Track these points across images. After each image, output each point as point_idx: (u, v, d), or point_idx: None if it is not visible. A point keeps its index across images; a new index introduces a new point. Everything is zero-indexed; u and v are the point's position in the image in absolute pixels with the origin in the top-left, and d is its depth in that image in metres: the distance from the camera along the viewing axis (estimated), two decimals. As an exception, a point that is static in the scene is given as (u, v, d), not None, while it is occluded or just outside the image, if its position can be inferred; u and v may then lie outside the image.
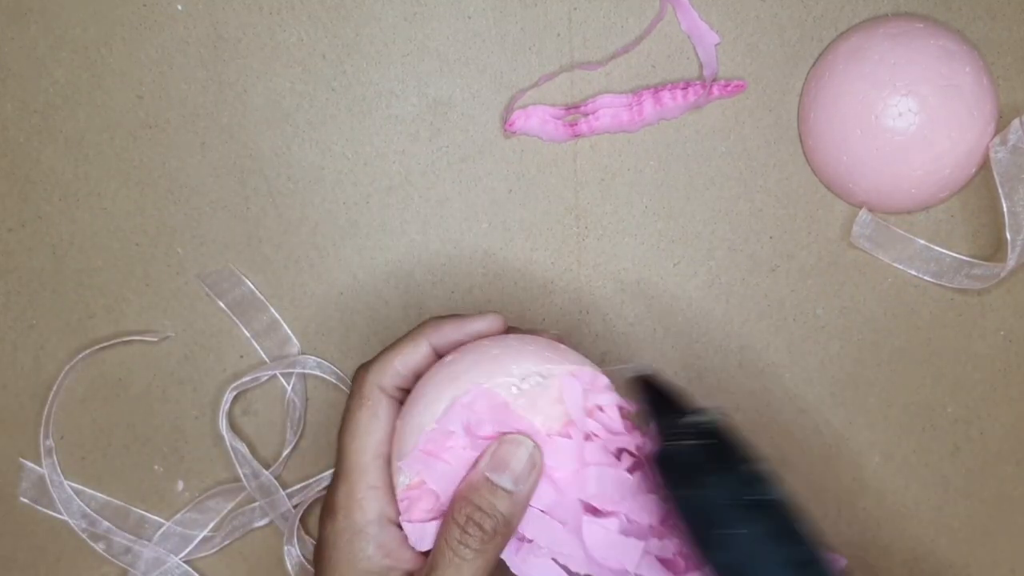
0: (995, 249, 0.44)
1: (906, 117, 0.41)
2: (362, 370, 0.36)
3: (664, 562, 0.35)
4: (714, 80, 0.43)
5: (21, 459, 0.45)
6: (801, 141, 0.44)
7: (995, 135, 0.42)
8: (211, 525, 0.45)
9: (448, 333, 0.36)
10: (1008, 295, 0.44)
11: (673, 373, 0.45)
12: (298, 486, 0.45)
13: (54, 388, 0.44)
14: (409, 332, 0.36)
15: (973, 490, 0.46)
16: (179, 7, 0.44)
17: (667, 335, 0.45)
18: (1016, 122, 0.42)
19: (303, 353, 0.45)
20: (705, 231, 0.45)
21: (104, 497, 0.45)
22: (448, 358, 0.35)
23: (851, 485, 0.46)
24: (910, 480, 0.46)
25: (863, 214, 0.43)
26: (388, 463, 0.35)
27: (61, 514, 0.45)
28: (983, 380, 0.45)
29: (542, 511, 0.34)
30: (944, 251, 0.44)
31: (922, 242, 0.44)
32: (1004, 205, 0.42)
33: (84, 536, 0.45)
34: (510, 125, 0.43)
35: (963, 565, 0.46)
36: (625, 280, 0.45)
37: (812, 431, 0.45)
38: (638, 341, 0.45)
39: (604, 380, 0.35)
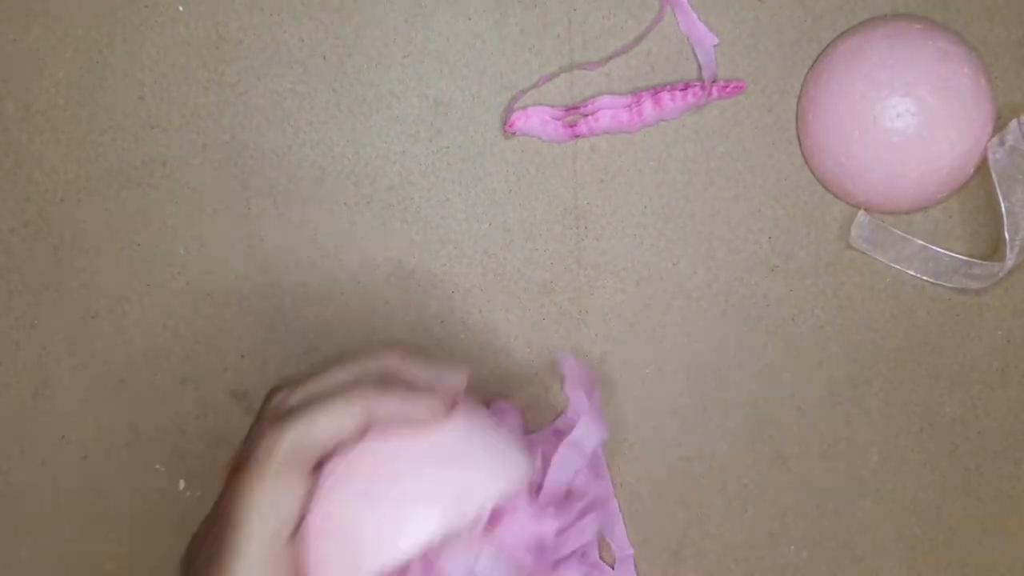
0: (993, 249, 0.44)
1: (904, 118, 0.41)
2: (277, 422, 0.31)
3: None
4: (713, 81, 0.44)
5: None
6: (800, 142, 0.44)
7: (993, 135, 0.42)
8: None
9: (390, 407, 0.31)
10: (1006, 295, 0.45)
11: (672, 373, 0.45)
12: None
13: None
14: (345, 390, 0.31)
15: (972, 489, 0.46)
16: (180, 8, 0.44)
17: (666, 335, 0.45)
18: (1014, 123, 0.42)
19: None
20: (704, 231, 0.45)
21: None
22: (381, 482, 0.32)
23: (850, 484, 0.46)
24: (908, 479, 0.46)
25: (861, 216, 0.44)
26: (291, 547, 0.31)
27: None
28: (981, 380, 0.45)
29: None
30: (943, 251, 0.44)
31: (920, 242, 0.44)
32: (1002, 205, 0.42)
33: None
34: (510, 126, 0.44)
35: (962, 565, 0.46)
36: (625, 280, 0.45)
37: (811, 430, 0.46)
38: (637, 341, 0.45)
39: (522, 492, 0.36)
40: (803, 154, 0.44)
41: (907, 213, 0.44)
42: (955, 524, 0.46)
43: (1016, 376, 0.45)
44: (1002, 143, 0.42)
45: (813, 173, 0.44)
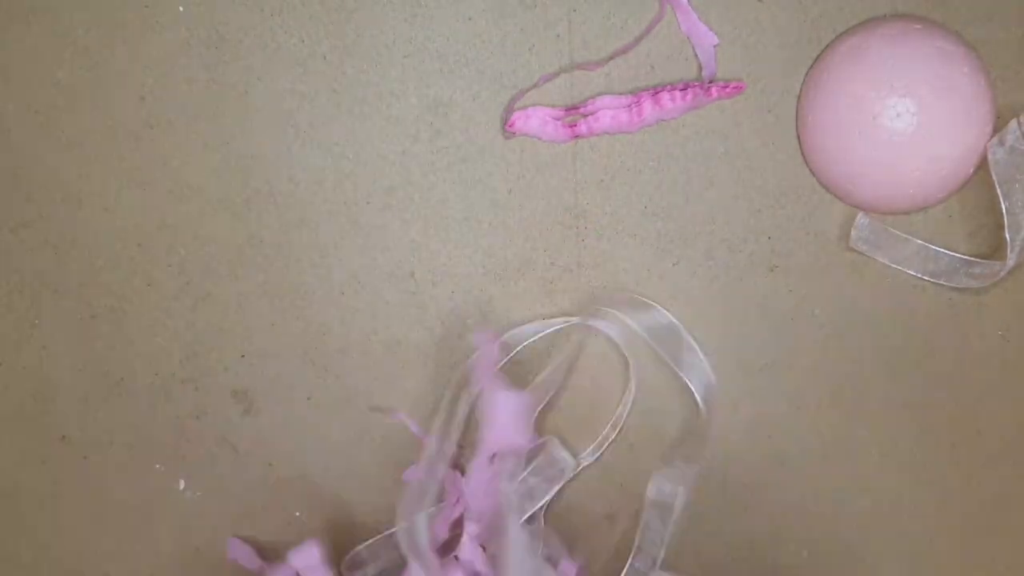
0: (994, 249, 0.44)
1: (904, 118, 0.41)
2: None
3: None
4: (713, 81, 0.44)
5: None
6: (799, 142, 0.44)
7: (993, 136, 0.42)
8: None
9: None
10: (1006, 295, 0.45)
11: (673, 374, 0.45)
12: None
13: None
14: None
15: (971, 489, 0.46)
16: (180, 8, 0.44)
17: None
18: (1013, 123, 0.42)
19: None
20: (704, 231, 0.45)
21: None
22: None
23: (849, 484, 0.46)
24: (908, 479, 0.46)
25: (861, 218, 0.44)
26: None
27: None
28: (981, 379, 0.45)
29: None
30: (943, 251, 0.44)
31: (920, 243, 0.44)
32: (1003, 206, 0.42)
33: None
34: (510, 126, 0.44)
35: (962, 565, 0.46)
36: (625, 280, 0.45)
37: (810, 430, 0.46)
38: (637, 341, 0.45)
39: None
40: (803, 154, 0.44)
41: (907, 213, 0.44)
42: (956, 525, 0.46)
43: (1016, 376, 0.45)
44: (1002, 143, 0.42)
45: (813, 173, 0.44)
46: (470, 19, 0.44)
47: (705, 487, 0.46)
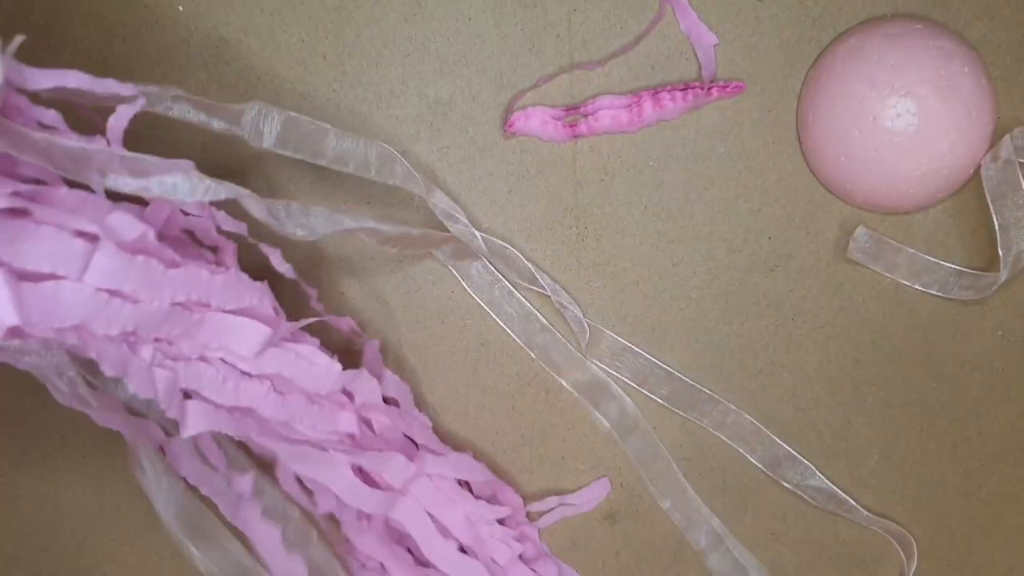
0: (993, 258, 0.44)
1: (904, 118, 0.41)
2: None
3: None
4: (713, 81, 0.44)
5: None
6: (800, 142, 0.44)
7: (993, 136, 0.42)
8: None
9: None
10: (1006, 295, 0.45)
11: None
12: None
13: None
14: None
15: (971, 489, 0.46)
16: (180, 8, 0.44)
17: (666, 335, 0.45)
18: (1007, 138, 0.42)
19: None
20: (704, 231, 0.45)
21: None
22: None
23: (849, 485, 0.46)
24: (908, 479, 0.46)
25: (860, 231, 0.43)
26: None
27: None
28: (981, 379, 0.45)
29: None
30: (941, 263, 0.43)
31: (919, 255, 0.44)
32: (995, 222, 0.42)
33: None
34: (510, 126, 0.44)
35: (962, 564, 0.46)
36: (625, 280, 0.45)
37: (811, 430, 0.46)
38: (637, 341, 0.45)
39: None
40: (803, 154, 0.44)
41: (907, 213, 0.44)
42: (955, 524, 0.46)
43: (1016, 376, 0.45)
44: (995, 159, 0.42)
45: (813, 173, 0.44)
46: (470, 19, 0.44)
47: (705, 487, 0.46)
